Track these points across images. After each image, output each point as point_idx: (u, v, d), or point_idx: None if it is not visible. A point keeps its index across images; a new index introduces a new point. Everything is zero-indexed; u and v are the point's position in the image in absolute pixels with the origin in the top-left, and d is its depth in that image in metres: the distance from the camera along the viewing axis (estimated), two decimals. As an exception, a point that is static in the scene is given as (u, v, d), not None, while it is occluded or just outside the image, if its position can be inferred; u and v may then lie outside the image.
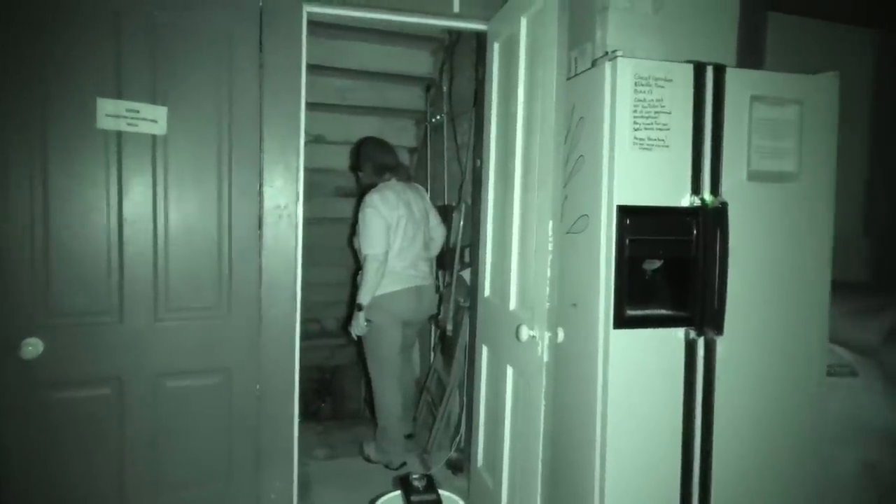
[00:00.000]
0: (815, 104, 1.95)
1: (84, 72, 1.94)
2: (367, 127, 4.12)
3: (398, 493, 1.84)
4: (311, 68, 2.21)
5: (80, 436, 2.01)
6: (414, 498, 1.76)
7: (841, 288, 2.08)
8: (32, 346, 1.89)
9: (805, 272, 1.98)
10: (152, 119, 2.03)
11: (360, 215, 2.94)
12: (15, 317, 1.90)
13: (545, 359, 1.81)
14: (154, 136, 2.03)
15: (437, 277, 3.60)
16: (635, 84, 1.77)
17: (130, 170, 2.02)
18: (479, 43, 2.70)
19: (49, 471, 1.98)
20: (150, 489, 2.09)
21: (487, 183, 2.41)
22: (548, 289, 1.80)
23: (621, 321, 1.82)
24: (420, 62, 3.88)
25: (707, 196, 1.85)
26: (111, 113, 1.98)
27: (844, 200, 2.11)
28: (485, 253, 2.43)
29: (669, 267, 1.89)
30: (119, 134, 1.99)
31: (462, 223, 3.31)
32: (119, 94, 1.97)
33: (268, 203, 2.18)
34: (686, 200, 1.85)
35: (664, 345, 1.87)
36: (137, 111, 2.01)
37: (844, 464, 2.27)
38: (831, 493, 2.19)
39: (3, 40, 1.85)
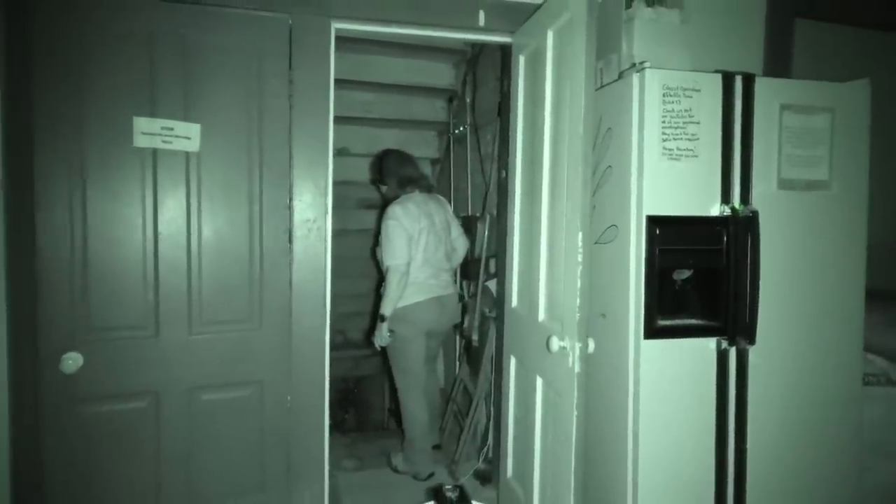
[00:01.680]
0: (846, 111, 1.93)
1: (119, 91, 1.99)
2: (390, 139, 4.17)
3: (430, 503, 1.85)
4: (335, 82, 2.24)
5: (117, 448, 2.05)
6: (447, 510, 1.77)
7: (877, 296, 2.05)
8: (73, 360, 1.93)
9: (839, 280, 1.96)
10: (186, 136, 2.07)
11: (383, 227, 2.97)
12: (56, 331, 1.95)
13: (577, 370, 1.81)
14: (187, 153, 2.08)
15: (461, 288, 3.61)
16: (663, 95, 1.78)
17: (165, 187, 2.06)
18: (504, 54, 2.72)
19: (87, 482, 2.02)
20: (185, 501, 2.12)
21: (514, 194, 2.41)
22: (579, 300, 1.80)
23: (652, 331, 1.82)
24: (442, 74, 3.92)
25: (737, 205, 1.85)
26: (146, 131, 2.02)
27: (880, 207, 2.08)
28: (511, 264, 2.44)
29: (700, 276, 1.88)
30: (154, 151, 2.04)
31: (487, 234, 3.32)
32: (154, 113, 2.02)
33: (297, 217, 2.21)
34: (716, 210, 1.85)
35: (695, 355, 1.86)
36: (172, 129, 2.05)
37: (880, 475, 2.23)
38: (868, 505, 2.16)
39: (45, 64, 1.91)
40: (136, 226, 2.04)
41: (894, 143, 2.93)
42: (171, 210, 2.07)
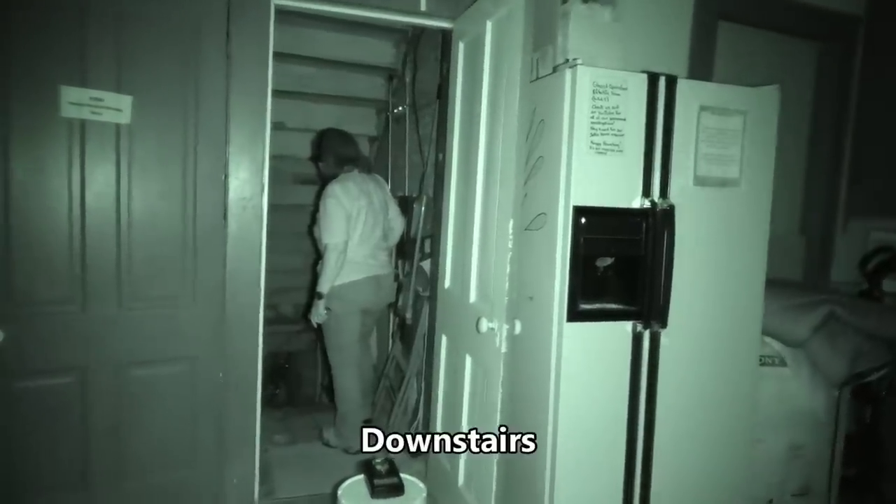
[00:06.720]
0: (757, 115, 2.08)
1: (48, 60, 1.92)
2: (327, 114, 4.13)
3: (361, 476, 1.92)
4: (273, 55, 2.23)
5: (43, 424, 2.01)
6: (377, 481, 1.85)
7: (775, 285, 2.25)
8: (-7, 335, 1.88)
9: (742, 271, 2.13)
10: (116, 108, 2.02)
11: (322, 205, 2.98)
12: (-26, 305, 1.89)
13: (503, 350, 1.91)
14: (118, 125, 2.03)
15: (396, 267, 3.66)
16: (593, 91, 1.87)
17: (94, 158, 2.01)
18: (444, 38, 2.76)
19: (11, 458, 1.98)
20: (114, 475, 2.11)
21: (449, 178, 2.48)
22: (507, 284, 1.90)
23: (574, 314, 1.93)
24: (382, 52, 3.91)
25: (657, 199, 1.97)
26: (75, 101, 1.96)
27: (783, 202, 2.25)
28: (445, 246, 2.51)
29: (620, 264, 2.00)
30: (83, 122, 1.98)
31: (423, 214, 3.38)
32: (83, 83, 1.96)
33: (233, 194, 2.20)
34: (637, 202, 1.97)
35: (613, 337, 1.99)
36: (101, 100, 2.00)
37: (774, 446, 2.46)
38: (762, 474, 2.39)
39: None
40: (63, 198, 1.98)
41: (799, 144, 3.18)
42: (101, 183, 2.03)
